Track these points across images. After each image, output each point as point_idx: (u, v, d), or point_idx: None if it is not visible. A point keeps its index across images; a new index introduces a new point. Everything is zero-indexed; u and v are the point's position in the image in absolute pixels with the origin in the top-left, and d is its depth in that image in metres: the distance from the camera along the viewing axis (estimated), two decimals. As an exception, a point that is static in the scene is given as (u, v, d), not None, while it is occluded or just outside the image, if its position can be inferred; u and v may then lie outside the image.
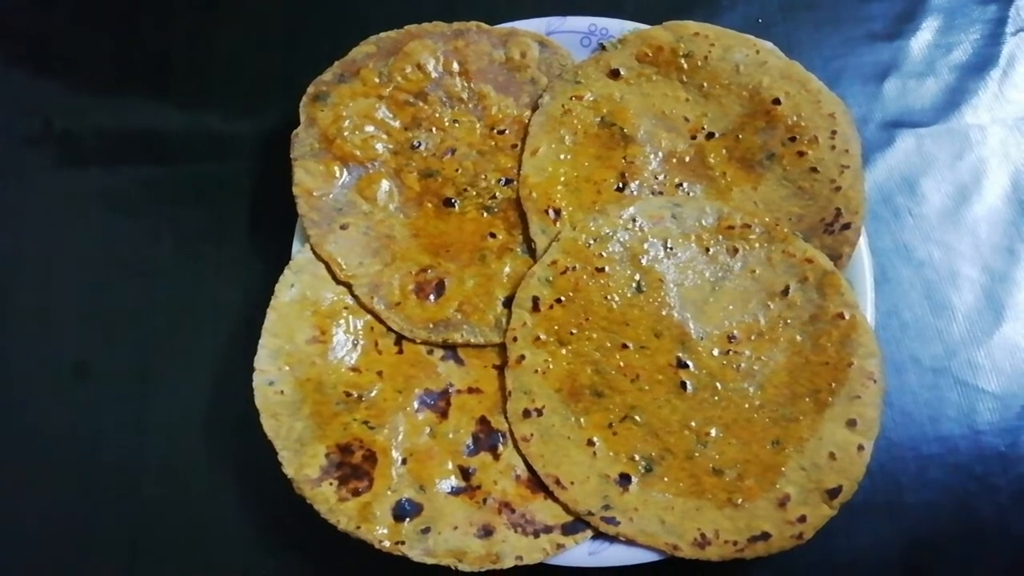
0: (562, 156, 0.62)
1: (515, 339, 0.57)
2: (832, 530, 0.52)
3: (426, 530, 0.52)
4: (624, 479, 0.54)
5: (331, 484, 0.53)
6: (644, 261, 0.58)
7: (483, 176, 0.62)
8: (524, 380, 0.56)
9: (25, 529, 0.59)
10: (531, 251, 0.60)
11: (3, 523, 0.59)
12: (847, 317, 0.56)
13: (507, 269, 0.59)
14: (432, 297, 0.59)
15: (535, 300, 0.57)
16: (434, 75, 0.63)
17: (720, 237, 0.59)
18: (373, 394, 0.56)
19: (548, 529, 0.53)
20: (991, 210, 0.63)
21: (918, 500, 0.57)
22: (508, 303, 0.58)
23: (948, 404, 0.59)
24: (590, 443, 0.55)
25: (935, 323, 0.61)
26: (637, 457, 0.55)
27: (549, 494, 0.54)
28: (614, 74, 0.63)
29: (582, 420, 0.56)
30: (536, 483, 0.55)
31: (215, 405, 0.61)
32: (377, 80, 0.62)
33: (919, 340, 0.61)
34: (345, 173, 0.61)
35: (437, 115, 0.63)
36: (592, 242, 0.58)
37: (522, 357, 0.57)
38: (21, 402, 0.62)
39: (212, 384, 0.61)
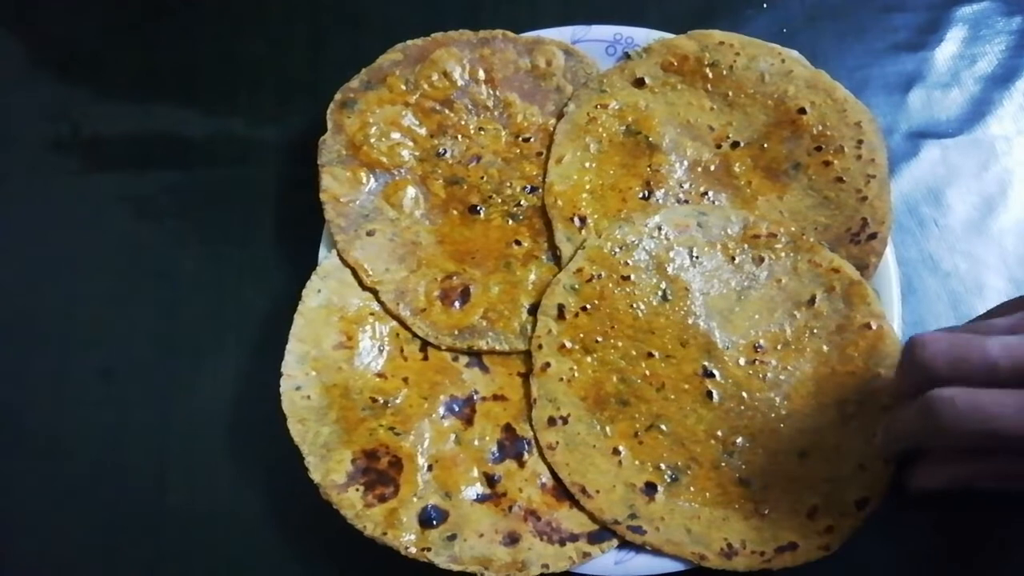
0: (587, 164, 0.62)
1: (540, 346, 0.57)
2: (859, 542, 0.52)
3: (452, 537, 0.52)
4: (650, 488, 0.54)
5: (357, 490, 0.53)
6: (670, 270, 0.58)
7: (508, 184, 0.62)
8: (549, 388, 0.56)
9: (47, 533, 0.59)
10: (556, 259, 0.60)
11: (27, 527, 0.60)
12: (874, 327, 0.55)
13: (532, 276, 0.60)
14: (457, 304, 0.59)
15: (560, 308, 0.58)
16: (460, 83, 0.63)
17: (746, 246, 0.58)
18: (399, 400, 0.56)
19: (574, 537, 0.53)
20: (1017, 221, 0.63)
21: (946, 512, 0.57)
22: (533, 310, 0.58)
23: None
24: (616, 452, 0.55)
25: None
26: (663, 466, 0.54)
27: (575, 502, 0.54)
28: (639, 83, 0.63)
29: (608, 429, 0.56)
30: (562, 491, 0.54)
31: (240, 410, 0.61)
32: (404, 87, 0.63)
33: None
34: (372, 180, 0.61)
35: (463, 122, 0.63)
36: (618, 250, 0.58)
37: (547, 365, 0.57)
38: (46, 406, 0.62)
39: (238, 389, 0.61)
